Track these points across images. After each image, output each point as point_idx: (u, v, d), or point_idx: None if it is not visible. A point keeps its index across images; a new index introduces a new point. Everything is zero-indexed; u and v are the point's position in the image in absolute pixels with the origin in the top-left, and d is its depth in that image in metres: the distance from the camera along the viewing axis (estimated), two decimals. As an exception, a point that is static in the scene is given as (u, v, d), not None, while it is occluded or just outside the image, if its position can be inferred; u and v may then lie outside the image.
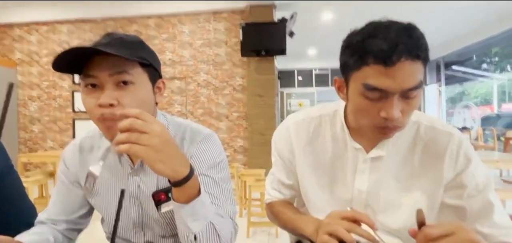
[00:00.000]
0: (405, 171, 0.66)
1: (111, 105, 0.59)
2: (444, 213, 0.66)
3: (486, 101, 8.73)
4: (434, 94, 8.92)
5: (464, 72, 8.55)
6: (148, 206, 0.71)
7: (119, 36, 0.64)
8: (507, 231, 0.62)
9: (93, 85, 0.61)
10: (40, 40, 5.21)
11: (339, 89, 0.64)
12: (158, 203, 0.68)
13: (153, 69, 0.67)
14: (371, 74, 0.53)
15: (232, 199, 0.72)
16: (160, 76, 0.71)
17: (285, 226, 0.77)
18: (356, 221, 0.54)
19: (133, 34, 0.64)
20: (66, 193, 0.76)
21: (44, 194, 3.30)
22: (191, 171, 0.56)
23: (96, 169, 0.53)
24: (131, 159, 0.71)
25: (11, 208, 0.84)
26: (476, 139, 6.53)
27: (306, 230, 0.66)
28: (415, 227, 0.53)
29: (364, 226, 0.54)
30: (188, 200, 0.57)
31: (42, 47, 5.20)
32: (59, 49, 5.10)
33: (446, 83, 8.87)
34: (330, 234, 0.54)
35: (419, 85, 0.54)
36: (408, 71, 0.52)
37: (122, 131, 0.49)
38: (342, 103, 0.72)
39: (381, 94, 0.53)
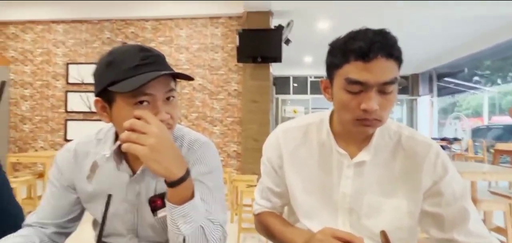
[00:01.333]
0: (387, 177, 0.70)
1: (164, 120, 0.64)
2: (424, 220, 0.70)
3: (477, 113, 8.88)
4: (426, 105, 9.05)
5: (456, 84, 8.71)
6: (144, 212, 0.72)
7: (156, 53, 0.67)
8: (483, 240, 0.65)
9: (141, 102, 0.63)
10: (34, 39, 5.17)
11: (325, 90, 0.70)
12: (154, 208, 0.69)
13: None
14: (352, 70, 0.60)
15: (224, 207, 0.74)
16: None
17: (273, 237, 0.78)
18: None
19: (142, 43, 0.68)
20: (58, 196, 0.76)
21: (32, 195, 3.25)
22: (187, 173, 0.58)
23: (101, 159, 0.58)
24: (130, 167, 0.72)
25: None
26: (466, 150, 6.63)
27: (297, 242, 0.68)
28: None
29: None
30: (181, 202, 0.59)
31: (37, 46, 5.16)
32: (54, 49, 5.09)
33: (439, 95, 9.01)
34: None
35: (394, 81, 0.61)
36: (384, 66, 0.59)
37: (126, 130, 0.54)
38: (328, 113, 0.77)
39: (361, 88, 0.60)
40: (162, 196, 0.69)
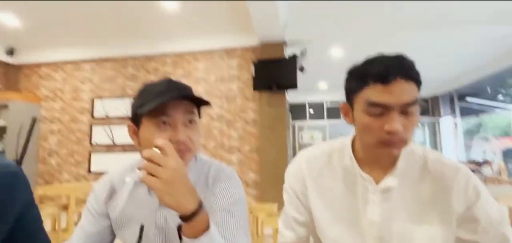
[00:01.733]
0: (416, 203, 0.67)
1: (184, 141, 0.70)
2: None
3: (506, 133, 8.42)
4: (449, 126, 8.71)
5: (479, 104, 8.38)
6: (171, 237, 0.74)
7: (183, 85, 0.75)
8: None
9: (164, 123, 0.70)
10: (64, 78, 5.54)
11: (345, 115, 0.71)
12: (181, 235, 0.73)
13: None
14: (372, 93, 0.62)
15: (247, 232, 0.76)
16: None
17: None
18: None
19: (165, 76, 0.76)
20: (93, 223, 0.80)
21: (56, 228, 3.32)
22: (199, 207, 0.59)
23: (131, 176, 0.61)
24: None
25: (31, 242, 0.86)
26: (499, 173, 6.23)
27: None
28: None
29: None
30: (196, 235, 0.59)
31: (66, 84, 5.51)
32: (82, 86, 5.42)
33: (461, 115, 8.68)
34: None
35: (415, 102, 0.62)
36: (404, 88, 0.60)
37: (145, 159, 0.56)
38: (349, 138, 0.77)
39: (383, 110, 0.61)
40: None
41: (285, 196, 0.82)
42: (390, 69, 0.60)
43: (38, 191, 3.48)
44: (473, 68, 6.71)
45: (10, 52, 5.44)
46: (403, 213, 0.67)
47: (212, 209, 0.74)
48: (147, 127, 0.70)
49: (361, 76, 0.64)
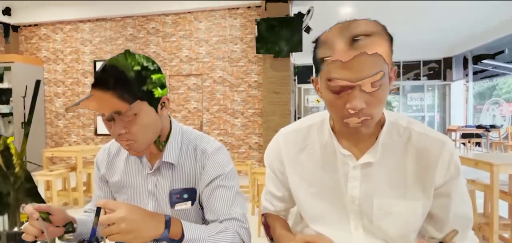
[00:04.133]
0: (398, 177, 0.65)
1: (120, 134, 0.70)
2: (426, 218, 0.67)
3: (519, 98, 8.15)
4: (460, 90, 8.47)
5: (494, 67, 8.02)
6: (163, 203, 0.81)
7: (103, 71, 0.66)
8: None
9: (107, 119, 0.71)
10: (64, 39, 5.45)
11: (315, 88, 0.65)
12: (173, 202, 0.80)
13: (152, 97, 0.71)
14: (331, 68, 0.55)
15: (241, 202, 0.80)
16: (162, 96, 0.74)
17: (272, 241, 0.78)
18: None
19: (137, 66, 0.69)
20: (98, 188, 0.92)
21: (66, 187, 3.46)
22: (168, 223, 0.65)
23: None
24: (149, 161, 0.82)
25: None
26: (506, 137, 6.14)
27: None
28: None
29: None
30: (178, 241, 0.67)
31: (66, 46, 5.43)
32: (82, 47, 5.33)
33: (475, 79, 8.38)
34: None
35: (381, 75, 0.54)
36: (364, 61, 0.53)
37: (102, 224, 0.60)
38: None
39: (343, 86, 0.55)
40: (179, 192, 0.79)
41: (266, 171, 0.83)
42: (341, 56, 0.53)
43: (46, 154, 3.58)
44: (491, 27, 6.32)
45: (7, 12, 5.31)
46: (386, 188, 0.65)
47: (203, 182, 0.78)
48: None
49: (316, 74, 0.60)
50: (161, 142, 0.79)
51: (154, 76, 0.70)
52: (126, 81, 0.65)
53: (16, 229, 0.90)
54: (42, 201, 0.95)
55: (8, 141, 0.92)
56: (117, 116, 0.67)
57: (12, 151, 0.92)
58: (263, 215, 0.84)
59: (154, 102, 0.72)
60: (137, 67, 0.67)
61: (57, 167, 3.64)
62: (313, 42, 0.61)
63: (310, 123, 0.74)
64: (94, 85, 0.63)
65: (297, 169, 0.73)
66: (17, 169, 0.92)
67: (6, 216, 0.90)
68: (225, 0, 4.67)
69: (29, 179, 0.94)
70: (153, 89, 0.70)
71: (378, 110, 0.57)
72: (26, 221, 0.68)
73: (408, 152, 0.65)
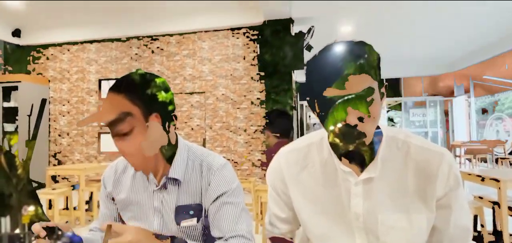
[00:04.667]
0: (399, 191, 0.65)
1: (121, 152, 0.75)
2: None
3: (522, 113, 8.12)
4: (462, 105, 8.47)
5: (496, 82, 8.05)
6: (169, 219, 0.81)
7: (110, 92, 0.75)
8: None
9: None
10: (70, 59, 5.57)
11: (311, 108, 0.66)
12: (178, 219, 0.80)
13: (162, 112, 0.76)
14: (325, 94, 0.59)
15: (247, 218, 0.80)
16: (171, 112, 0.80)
17: None
18: None
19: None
20: (105, 206, 0.92)
21: (69, 206, 3.44)
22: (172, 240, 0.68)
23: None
24: (155, 178, 0.83)
25: None
26: (511, 153, 6.07)
27: None
28: None
29: None
30: None
31: (72, 65, 5.54)
32: (87, 67, 5.44)
33: (476, 94, 8.39)
34: None
35: (370, 92, 0.58)
36: (354, 81, 0.57)
37: None
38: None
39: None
40: (186, 209, 0.80)
41: (268, 192, 0.82)
42: (331, 77, 0.58)
43: (49, 172, 3.58)
44: (491, 43, 6.39)
45: (17, 34, 5.47)
46: (388, 202, 0.65)
47: (209, 199, 0.79)
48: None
49: (310, 96, 0.63)
50: (167, 155, 0.81)
51: (164, 94, 0.77)
52: (137, 86, 0.73)
53: (17, 231, 0.90)
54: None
55: (11, 142, 0.92)
56: (119, 131, 0.72)
57: (15, 152, 0.92)
58: (269, 239, 0.83)
59: (166, 116, 0.76)
60: (149, 79, 0.75)
61: (60, 185, 3.63)
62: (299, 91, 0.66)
63: (310, 141, 0.75)
64: (109, 91, 0.72)
65: (300, 188, 0.73)
66: (19, 170, 0.92)
67: (8, 218, 0.90)
68: (228, 21, 4.80)
69: (31, 181, 0.94)
70: (161, 99, 0.75)
71: (371, 128, 0.59)
72: (28, 224, 0.69)
73: (408, 165, 0.65)
